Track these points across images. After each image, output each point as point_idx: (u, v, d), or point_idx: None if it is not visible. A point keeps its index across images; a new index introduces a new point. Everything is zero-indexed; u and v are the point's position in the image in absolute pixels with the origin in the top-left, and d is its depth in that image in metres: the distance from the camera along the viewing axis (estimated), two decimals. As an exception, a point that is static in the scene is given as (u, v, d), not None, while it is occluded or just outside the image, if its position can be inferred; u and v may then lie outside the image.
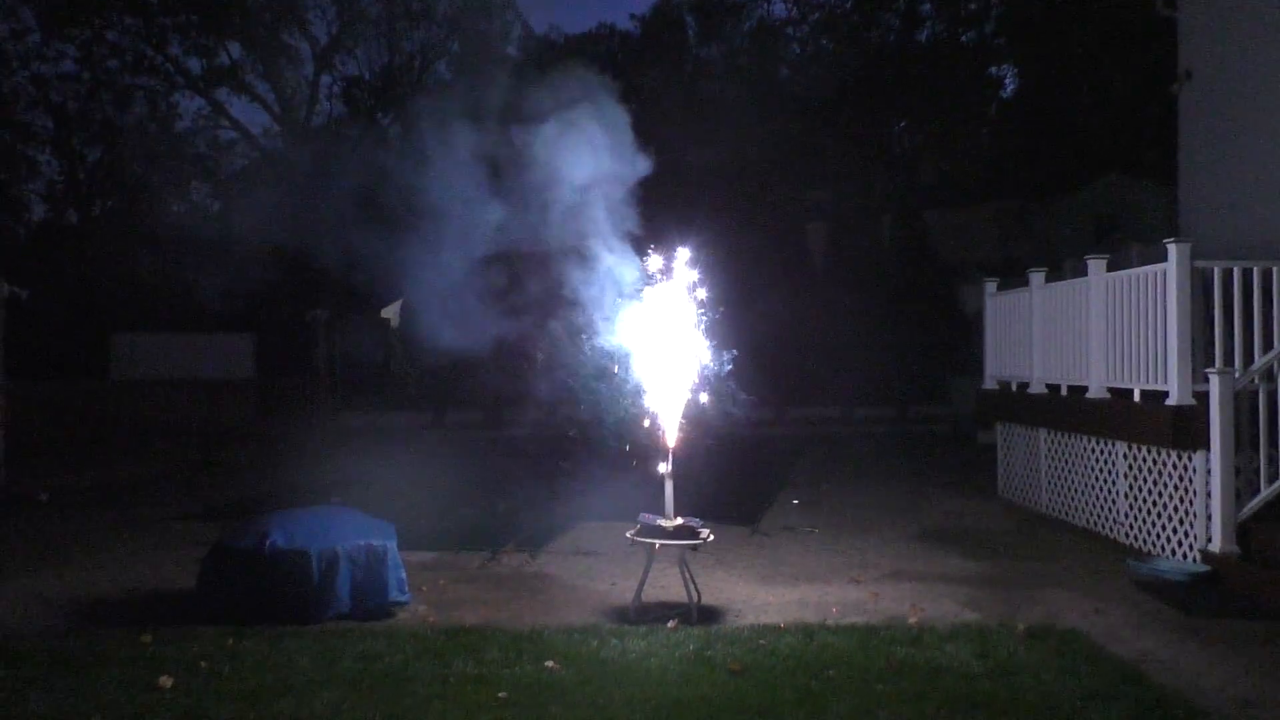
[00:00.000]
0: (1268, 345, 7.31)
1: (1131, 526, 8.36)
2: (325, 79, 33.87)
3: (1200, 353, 7.49)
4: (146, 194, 34.10)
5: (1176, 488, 7.68)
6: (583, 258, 6.59)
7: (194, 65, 33.22)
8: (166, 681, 4.94)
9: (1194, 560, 7.32)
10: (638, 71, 33.72)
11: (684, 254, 6.47)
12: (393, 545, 6.39)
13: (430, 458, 15.76)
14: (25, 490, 11.93)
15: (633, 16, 42.96)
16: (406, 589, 6.42)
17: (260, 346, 24.37)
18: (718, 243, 6.84)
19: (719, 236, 6.74)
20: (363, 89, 33.81)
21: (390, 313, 27.63)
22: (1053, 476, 10.00)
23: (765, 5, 40.28)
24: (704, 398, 6.44)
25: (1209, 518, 7.17)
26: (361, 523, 6.55)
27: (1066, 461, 9.67)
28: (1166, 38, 12.37)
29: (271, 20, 31.77)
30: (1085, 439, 9.23)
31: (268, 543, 6.10)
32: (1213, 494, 7.09)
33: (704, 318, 6.45)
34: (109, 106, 33.73)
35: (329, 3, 32.79)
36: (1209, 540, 7.17)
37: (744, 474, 12.91)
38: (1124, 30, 27.31)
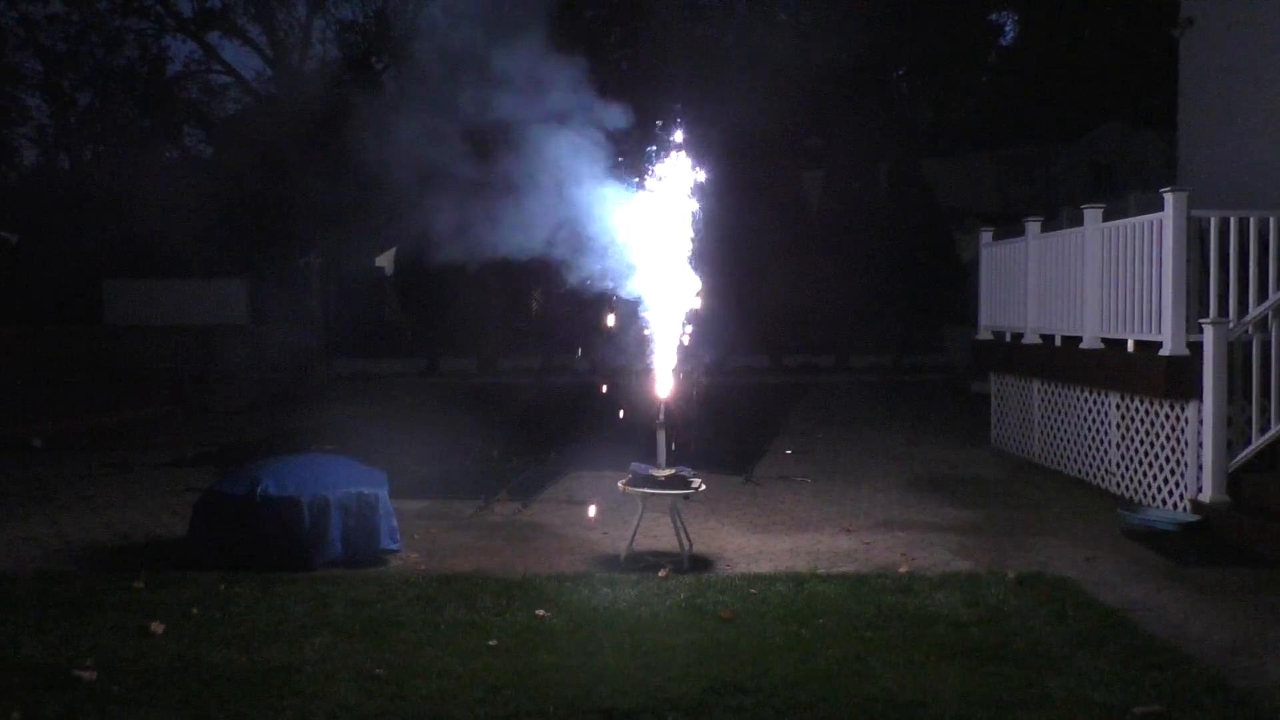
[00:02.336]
0: (1262, 295, 7.28)
1: (1123, 476, 8.39)
2: (318, 23, 33.42)
3: (1195, 303, 7.47)
4: (139, 139, 33.76)
5: (1169, 438, 7.69)
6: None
7: (185, 7, 32.77)
8: (158, 627, 4.96)
9: (1185, 510, 7.36)
10: (635, 16, 33.25)
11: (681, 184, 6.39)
12: (384, 493, 6.40)
13: (423, 405, 15.76)
14: (19, 435, 11.92)
15: (630, -42, 42.26)
16: (398, 537, 6.43)
17: (253, 293, 24.25)
18: (714, 189, 6.75)
19: (715, 184, 6.64)
20: (356, 32, 33.36)
21: (384, 260, 27.53)
22: (1045, 426, 10.02)
23: (763, -52, 39.61)
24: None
25: (1200, 467, 7.19)
26: (353, 471, 6.55)
27: (1059, 411, 9.68)
28: (1169, -16, 12.19)
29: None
30: (1078, 389, 9.23)
31: (259, 490, 6.10)
32: (1204, 444, 7.10)
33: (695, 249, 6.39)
34: (99, 49, 33.28)
35: (320, -56, 32.29)
36: (1200, 490, 7.19)
37: (737, 422, 12.93)
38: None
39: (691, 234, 6.42)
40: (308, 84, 31.79)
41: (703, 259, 6.49)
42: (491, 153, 6.62)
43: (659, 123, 6.40)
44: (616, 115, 6.51)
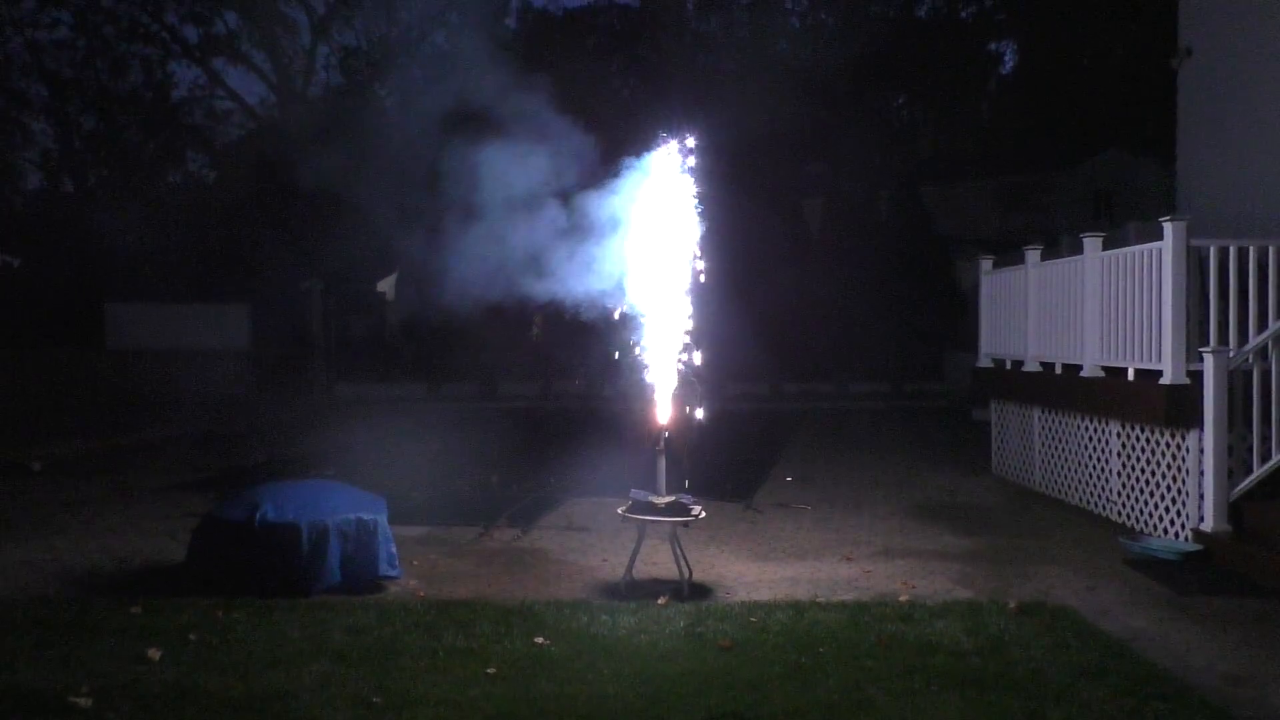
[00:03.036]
0: (1262, 324, 7.28)
1: (1124, 504, 8.37)
2: (323, 49, 33.64)
3: (1195, 331, 7.47)
4: (142, 163, 33.91)
5: (1169, 466, 7.68)
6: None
7: (190, 33, 33.06)
8: (155, 653, 4.93)
9: (1186, 539, 7.33)
10: (637, 45, 33.51)
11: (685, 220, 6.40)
12: (383, 519, 6.38)
13: (423, 430, 15.74)
14: (18, 458, 11.91)
15: (632, -11, 42.63)
16: (397, 563, 6.41)
17: (255, 317, 24.31)
18: (715, 215, 6.77)
19: (716, 209, 6.66)
20: (360, 59, 33.56)
21: (386, 285, 27.58)
22: (1046, 454, 10.01)
23: (765, -22, 39.94)
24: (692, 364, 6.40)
25: (1201, 496, 7.18)
26: (352, 496, 6.54)
27: (1060, 439, 9.67)
28: (1167, 13, 12.28)
29: (268, -12, 31.54)
30: (1079, 417, 9.23)
31: (258, 515, 6.08)
32: (1205, 473, 7.09)
33: (697, 285, 6.39)
34: (104, 74, 33.49)
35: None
36: (1201, 519, 7.17)
37: (737, 449, 12.91)
38: (1124, 6, 27.15)
39: (692, 258, 6.43)
40: (311, 109, 31.97)
41: (702, 284, 6.50)
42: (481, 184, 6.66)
43: (660, 147, 6.41)
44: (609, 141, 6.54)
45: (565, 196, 6.48)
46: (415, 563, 6.90)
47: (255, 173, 28.62)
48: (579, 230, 6.47)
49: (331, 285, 24.48)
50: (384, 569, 6.31)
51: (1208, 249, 7.51)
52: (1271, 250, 7.41)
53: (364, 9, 32.88)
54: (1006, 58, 38.38)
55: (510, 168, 6.53)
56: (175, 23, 32.85)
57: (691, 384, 6.33)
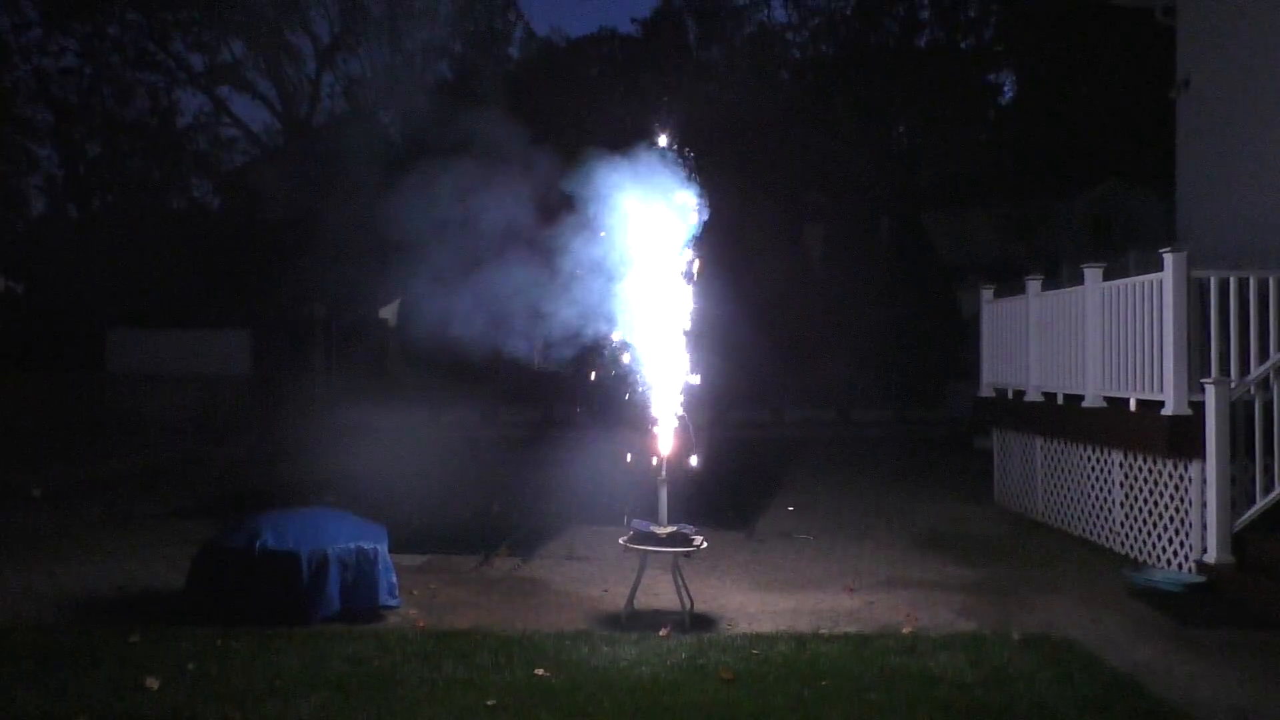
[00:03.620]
0: (1264, 355, 7.28)
1: (1127, 535, 8.34)
2: (327, 77, 33.85)
3: (1196, 362, 7.47)
4: (147, 189, 34.06)
5: (1172, 497, 7.66)
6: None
7: (196, 61, 33.24)
8: (153, 682, 4.91)
9: (1190, 570, 7.31)
10: (638, 74, 33.70)
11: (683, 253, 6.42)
12: (383, 548, 6.37)
13: (425, 457, 15.71)
14: (18, 484, 11.89)
15: (634, 20, 42.95)
16: (397, 592, 6.39)
17: (257, 342, 24.34)
18: (716, 241, 6.79)
19: (717, 235, 6.68)
20: (365, 87, 33.80)
21: (388, 312, 27.59)
22: (1049, 484, 9.98)
23: (766, 10, 40.23)
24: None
25: (1205, 528, 7.15)
26: (353, 525, 6.53)
27: (1062, 469, 9.65)
28: (1165, 45, 12.37)
29: (274, 17, 31.69)
30: (1081, 447, 9.21)
31: (258, 543, 6.07)
32: (1208, 504, 7.07)
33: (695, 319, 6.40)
34: (110, 101, 33.70)
35: (332, 1, 32.75)
36: (1204, 550, 7.15)
37: (739, 477, 12.87)
38: (1122, 37, 27.30)
39: (692, 288, 6.44)
40: (315, 137, 32.14)
41: (703, 312, 6.51)
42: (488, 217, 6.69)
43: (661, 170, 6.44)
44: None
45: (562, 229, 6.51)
46: (415, 592, 6.88)
47: (258, 199, 28.75)
48: (578, 262, 6.49)
49: (334, 311, 24.51)
50: (384, 598, 6.29)
51: (1208, 280, 7.52)
52: (1272, 281, 7.42)
53: (368, 38, 33.12)
54: (1006, 88, 38.57)
55: (503, 203, 6.56)
56: (181, 51, 33.09)
57: (685, 426, 6.32)
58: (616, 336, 6.45)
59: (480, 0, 34.74)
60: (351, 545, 6.23)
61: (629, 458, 6.41)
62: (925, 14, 38.26)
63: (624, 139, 6.52)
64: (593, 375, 6.64)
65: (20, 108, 32.72)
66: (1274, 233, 9.51)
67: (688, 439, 6.33)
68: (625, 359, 6.41)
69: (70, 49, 32.50)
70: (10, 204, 33.55)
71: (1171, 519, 7.66)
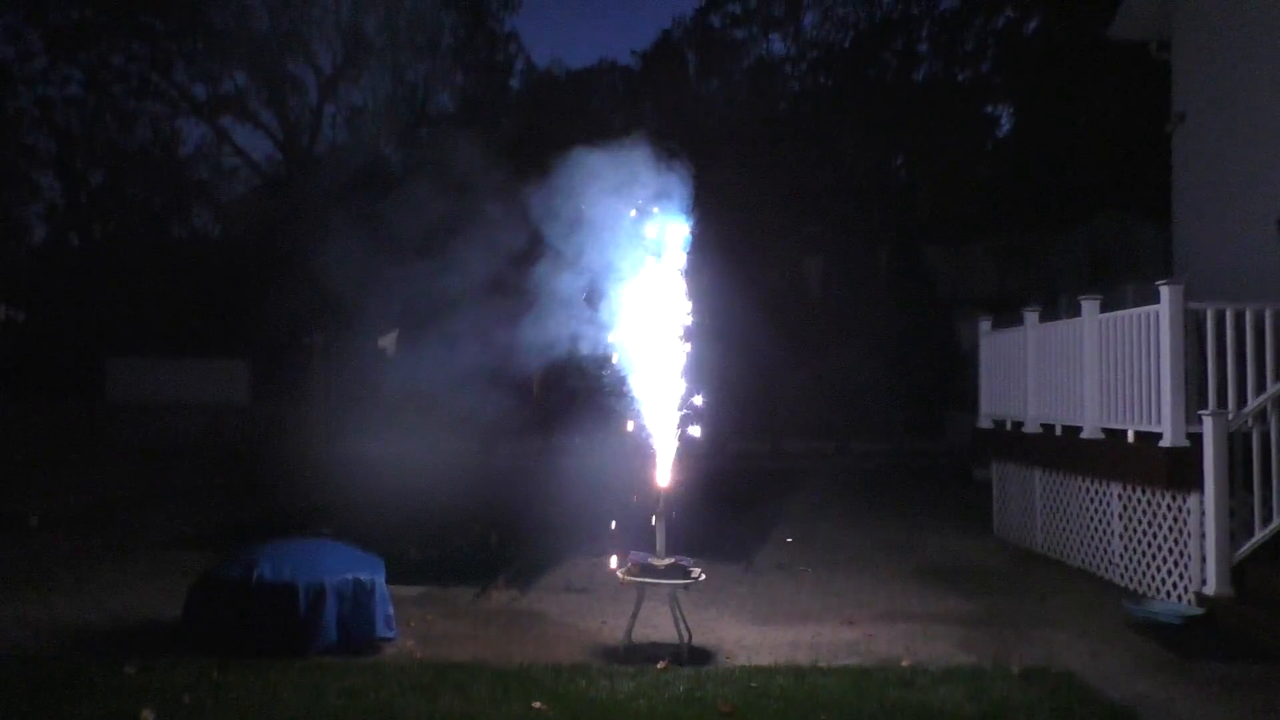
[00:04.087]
0: (1261, 387, 7.30)
1: (1127, 567, 8.32)
2: (329, 108, 34.01)
3: (1194, 394, 7.48)
4: (148, 218, 34.16)
5: (1171, 529, 7.65)
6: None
7: (199, 91, 33.40)
8: (149, 714, 4.88)
9: (1189, 602, 7.29)
10: (638, 105, 33.95)
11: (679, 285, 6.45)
12: (380, 579, 6.35)
13: (422, 487, 15.69)
14: (15, 512, 11.86)
15: (634, 52, 43.27)
16: (394, 624, 6.37)
17: (255, 372, 24.35)
18: (715, 274, 6.82)
19: (717, 267, 6.72)
20: (366, 118, 33.97)
21: (386, 341, 27.61)
22: (1048, 515, 9.97)
23: (764, 43, 40.53)
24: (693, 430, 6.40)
25: (1204, 559, 7.14)
26: (350, 556, 6.52)
27: (1061, 501, 9.64)
28: (1161, 78, 12.48)
29: (277, 49, 31.90)
30: (1080, 479, 9.21)
31: (255, 574, 6.06)
32: (1207, 536, 7.06)
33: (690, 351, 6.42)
34: (113, 130, 33.86)
35: (334, 33, 32.95)
36: (1204, 582, 7.13)
37: (737, 509, 12.86)
38: (1119, 71, 27.52)
39: (691, 318, 6.46)
40: (317, 167, 32.28)
41: (702, 342, 6.53)
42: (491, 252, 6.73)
43: (658, 208, 6.47)
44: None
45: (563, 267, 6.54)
46: (412, 623, 6.85)
47: (258, 228, 28.86)
48: (576, 293, 6.51)
49: (331, 340, 24.52)
50: (381, 630, 6.27)
51: (1205, 312, 7.55)
52: (1268, 313, 7.45)
53: (370, 70, 33.32)
54: (1003, 120, 38.80)
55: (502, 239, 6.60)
56: (185, 81, 33.26)
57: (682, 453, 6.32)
58: (614, 359, 6.46)
59: (481, 32, 35.01)
60: (348, 576, 6.22)
61: (634, 498, 6.40)
62: (923, 47, 38.59)
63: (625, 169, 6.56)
64: (589, 406, 6.66)
65: (24, 136, 32.89)
66: (1270, 265, 9.56)
67: (685, 467, 6.34)
68: (624, 391, 6.42)
69: (75, 78, 32.73)
70: (12, 232, 33.66)
71: (1170, 551, 7.65)
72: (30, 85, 32.37)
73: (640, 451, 6.38)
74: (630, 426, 6.39)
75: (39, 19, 31.39)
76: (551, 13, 76.93)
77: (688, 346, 6.41)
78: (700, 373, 6.49)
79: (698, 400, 6.38)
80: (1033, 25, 36.53)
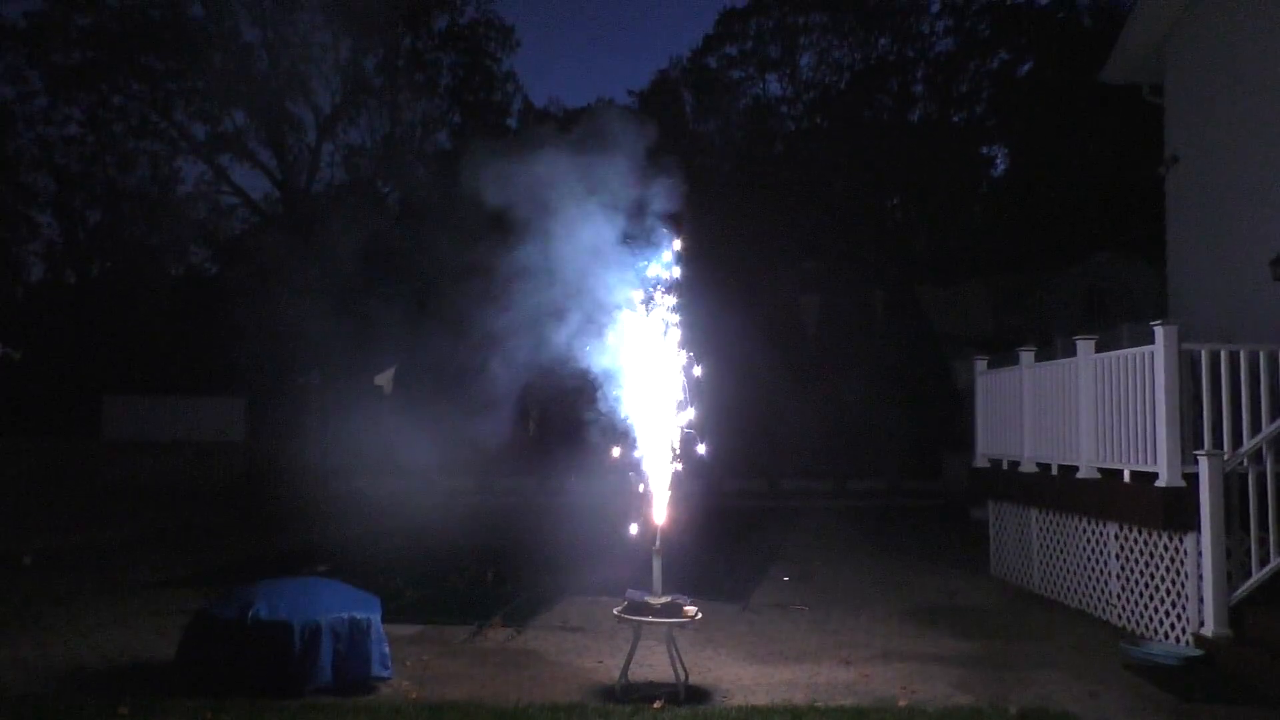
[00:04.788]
0: (1255, 427, 7.32)
1: (1124, 608, 8.30)
2: (327, 146, 34.22)
3: (1190, 434, 7.50)
4: (145, 256, 34.25)
5: (1168, 569, 7.64)
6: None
7: (198, 130, 33.61)
8: (142, 755, 4.85)
9: (1187, 643, 7.26)
10: (634, 145, 34.17)
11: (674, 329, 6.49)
12: (376, 618, 6.32)
13: (418, 525, 15.64)
14: (9, 551, 11.81)
15: (630, 92, 43.72)
16: (389, 663, 6.33)
17: (251, 410, 24.35)
18: (711, 313, 6.86)
19: (713, 307, 6.76)
20: (364, 157, 34.18)
21: (383, 379, 27.64)
22: (1045, 555, 9.95)
23: (761, 84, 40.96)
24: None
25: (1201, 600, 7.13)
26: (345, 595, 6.49)
27: (1058, 541, 9.63)
28: (1155, 120, 12.61)
29: (277, 88, 32.16)
30: (1076, 519, 9.20)
31: (250, 613, 6.03)
32: (1204, 576, 7.05)
33: (688, 393, 6.43)
34: (112, 169, 34.05)
35: (333, 72, 33.26)
36: (1202, 623, 7.11)
37: (734, 548, 12.83)
38: (1113, 113, 27.84)
39: (687, 357, 6.49)
40: (315, 205, 32.44)
41: (699, 381, 6.54)
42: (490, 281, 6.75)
43: (657, 246, 6.52)
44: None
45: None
46: (408, 663, 6.82)
47: (257, 266, 28.90)
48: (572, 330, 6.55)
49: (328, 379, 24.54)
50: (376, 669, 6.24)
51: (1199, 352, 7.58)
52: (1262, 355, 7.49)
53: (368, 110, 33.58)
54: (998, 161, 39.17)
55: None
56: (184, 120, 33.49)
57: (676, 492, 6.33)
58: (613, 394, 6.48)
59: (480, 72, 35.33)
60: (344, 615, 6.20)
61: (632, 533, 6.39)
62: (919, 88, 39.03)
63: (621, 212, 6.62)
64: (584, 443, 6.66)
65: (23, 175, 33.07)
66: (1263, 306, 9.62)
67: (681, 505, 6.34)
68: (620, 430, 6.43)
69: (74, 117, 32.96)
70: (10, 271, 33.74)
71: (1168, 591, 7.64)
72: (30, 125, 32.61)
73: (637, 490, 6.38)
74: (616, 453, 6.39)
75: (40, 59, 31.66)
76: (550, 54, 77.68)
77: (684, 384, 6.43)
78: (697, 410, 6.51)
79: (700, 447, 6.39)
80: (1027, 67, 37.04)
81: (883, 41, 39.05)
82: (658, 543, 6.25)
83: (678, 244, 6.51)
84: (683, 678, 6.12)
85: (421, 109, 34.44)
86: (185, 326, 27.48)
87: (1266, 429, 7.19)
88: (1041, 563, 10.01)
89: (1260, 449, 7.12)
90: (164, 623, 7.97)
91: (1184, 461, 7.40)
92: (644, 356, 6.43)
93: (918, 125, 38.11)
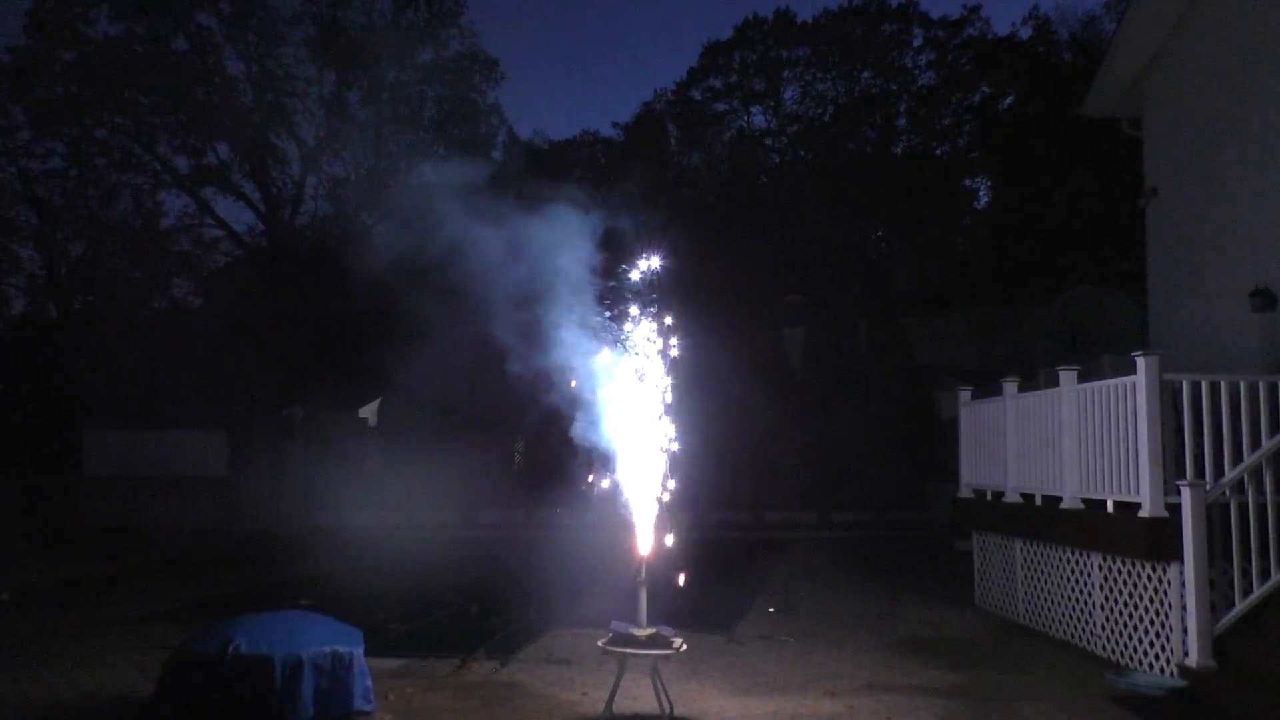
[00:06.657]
0: (1237, 457, 7.37)
1: (1108, 639, 8.30)
2: (311, 179, 34.23)
3: (1172, 464, 7.54)
4: (128, 290, 34.11)
5: (1152, 600, 7.65)
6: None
7: (181, 164, 33.56)
8: (119, 793, 4.79)
9: (1172, 673, 7.27)
10: (620, 177, 34.36)
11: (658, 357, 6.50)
12: (359, 652, 6.28)
13: (403, 559, 15.55)
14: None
15: (615, 124, 43.98)
16: (372, 697, 6.28)
17: (234, 444, 24.20)
18: (695, 346, 6.86)
19: (696, 340, 6.77)
20: (349, 189, 34.22)
21: (367, 412, 27.54)
22: (1029, 586, 9.95)
23: (745, 116, 41.24)
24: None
25: (1185, 631, 7.14)
26: (328, 628, 6.44)
27: (1042, 571, 9.64)
28: (1135, 153, 12.75)
29: (261, 121, 32.20)
30: (1060, 549, 9.22)
31: (231, 647, 5.98)
32: (1188, 607, 7.07)
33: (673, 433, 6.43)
34: (94, 202, 33.94)
35: (317, 105, 33.33)
36: (1186, 653, 7.12)
37: (720, 580, 12.79)
38: (1094, 146, 28.16)
39: (671, 388, 6.49)
40: (299, 239, 32.43)
41: (683, 413, 6.55)
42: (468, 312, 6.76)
43: (639, 277, 6.54)
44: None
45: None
46: (391, 696, 6.76)
47: (240, 300, 28.87)
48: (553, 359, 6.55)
49: (312, 411, 24.44)
50: (359, 703, 6.19)
51: (1180, 383, 7.63)
52: (1243, 385, 7.56)
53: (353, 143, 33.64)
54: (981, 193, 39.49)
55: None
56: (167, 153, 33.43)
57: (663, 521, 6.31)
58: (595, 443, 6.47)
59: (464, 105, 35.46)
60: (326, 649, 6.15)
61: (614, 564, 6.38)
62: (902, 121, 39.37)
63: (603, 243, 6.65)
64: (569, 477, 6.65)
65: (5, 208, 32.95)
66: (1243, 337, 9.70)
67: (666, 535, 6.31)
68: (605, 465, 6.43)
69: (57, 151, 32.88)
70: (-11, 305, 33.57)
71: (1152, 622, 7.65)
72: (13, 159, 32.53)
73: (621, 522, 6.37)
74: (591, 479, 6.38)
75: (24, 93, 31.64)
76: (535, 87, 78.21)
77: (667, 417, 6.43)
78: (681, 442, 6.50)
79: (670, 483, 6.38)
80: (1008, 101, 37.44)
81: (866, 75, 39.42)
82: (643, 574, 6.23)
83: (656, 261, 6.53)
84: (668, 710, 6.09)
85: (406, 142, 34.52)
86: (168, 360, 27.34)
87: (1248, 459, 7.24)
88: (1026, 593, 10.01)
89: (1242, 479, 7.16)
90: (144, 658, 7.88)
91: (1167, 492, 7.44)
92: (627, 390, 6.44)
93: (901, 158, 38.44)
